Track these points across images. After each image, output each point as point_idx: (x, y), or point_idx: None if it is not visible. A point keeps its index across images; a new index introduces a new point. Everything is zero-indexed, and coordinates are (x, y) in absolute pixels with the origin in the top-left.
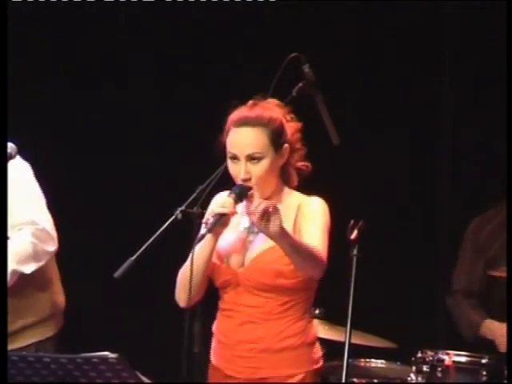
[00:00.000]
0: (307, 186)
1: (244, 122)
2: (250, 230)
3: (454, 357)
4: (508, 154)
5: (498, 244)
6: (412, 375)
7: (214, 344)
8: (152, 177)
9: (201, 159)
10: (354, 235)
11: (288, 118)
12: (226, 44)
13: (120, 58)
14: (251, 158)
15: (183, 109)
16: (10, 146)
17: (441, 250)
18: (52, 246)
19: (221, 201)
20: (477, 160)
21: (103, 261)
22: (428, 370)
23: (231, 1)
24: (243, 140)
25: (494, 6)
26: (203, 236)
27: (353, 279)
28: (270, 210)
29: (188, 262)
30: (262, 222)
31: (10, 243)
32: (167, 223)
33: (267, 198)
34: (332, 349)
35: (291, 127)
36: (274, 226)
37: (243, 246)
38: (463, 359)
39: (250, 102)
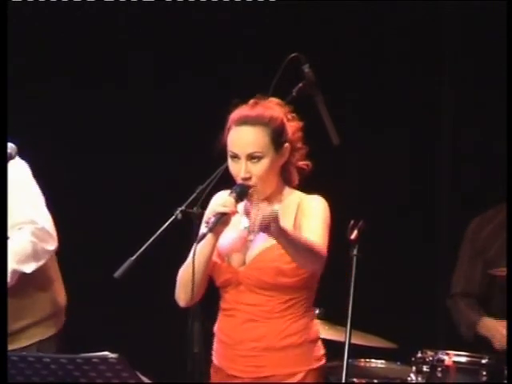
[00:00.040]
0: (307, 186)
1: (245, 121)
2: (250, 230)
3: (454, 357)
4: (508, 153)
5: (498, 244)
6: (412, 375)
7: (215, 344)
8: (152, 177)
9: (201, 159)
10: (354, 235)
11: (289, 117)
12: (226, 44)
13: (120, 58)
14: (252, 157)
15: (183, 109)
16: (10, 146)
17: (441, 250)
18: (52, 245)
19: (222, 200)
20: (477, 160)
21: (103, 261)
22: (428, 370)
23: (231, 1)
24: (244, 139)
25: (494, 6)
26: (204, 235)
27: (353, 279)
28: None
29: (189, 262)
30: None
31: (9, 243)
32: (167, 223)
33: (267, 197)
34: (332, 349)
35: (292, 126)
36: (273, 227)
37: (244, 244)
38: (463, 359)
39: (251, 100)
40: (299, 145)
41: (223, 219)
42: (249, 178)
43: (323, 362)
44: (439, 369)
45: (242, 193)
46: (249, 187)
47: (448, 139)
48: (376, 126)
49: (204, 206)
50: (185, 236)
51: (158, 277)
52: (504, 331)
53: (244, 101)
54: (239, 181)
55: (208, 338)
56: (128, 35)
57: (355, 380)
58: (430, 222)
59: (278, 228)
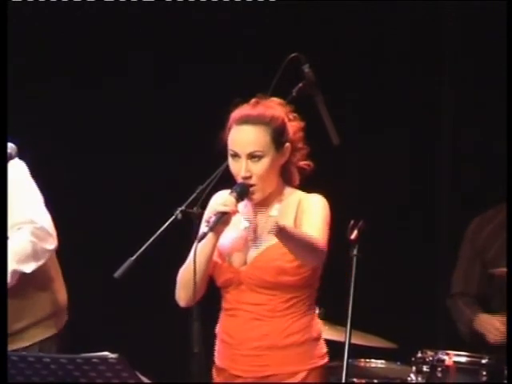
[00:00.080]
0: (307, 186)
1: (246, 120)
2: (250, 229)
3: (454, 357)
4: (508, 153)
5: (498, 244)
6: (412, 375)
7: (217, 345)
8: (152, 177)
9: (201, 159)
10: (354, 235)
11: (290, 116)
12: (226, 44)
13: (120, 58)
14: (252, 156)
15: (183, 109)
16: (10, 146)
17: (441, 250)
18: (51, 244)
19: (222, 199)
20: (477, 160)
21: (103, 261)
22: (428, 370)
23: (231, 1)
24: (244, 138)
25: (494, 6)
26: (205, 234)
27: (353, 279)
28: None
29: (189, 261)
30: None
31: (9, 243)
32: (167, 223)
33: (268, 197)
34: (332, 349)
35: (293, 126)
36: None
37: (245, 244)
38: (463, 359)
39: (253, 100)
40: (300, 145)
41: (224, 218)
42: (249, 177)
43: (326, 360)
44: (439, 369)
45: (243, 192)
46: (249, 186)
47: (448, 139)
48: (376, 126)
49: (204, 206)
50: (185, 236)
51: (158, 277)
52: (498, 325)
53: (245, 100)
54: (239, 180)
55: (208, 338)
56: (128, 35)
57: (355, 380)
58: (430, 222)
59: (278, 228)
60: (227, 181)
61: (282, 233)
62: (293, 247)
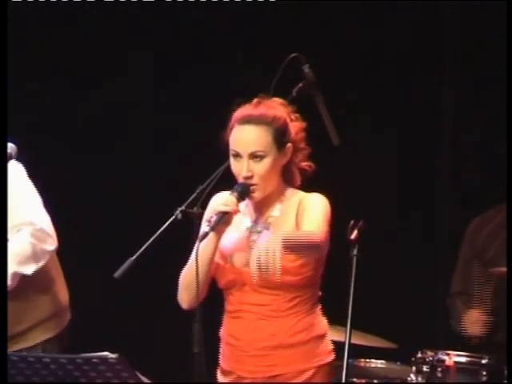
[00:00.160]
0: (307, 186)
1: (248, 120)
2: (252, 230)
3: (454, 357)
4: (508, 153)
5: (498, 244)
6: (412, 375)
7: (222, 348)
8: (152, 177)
9: (201, 159)
10: (354, 235)
11: (292, 117)
12: (226, 44)
13: (120, 58)
14: (254, 156)
15: (183, 109)
16: (10, 146)
17: (441, 250)
18: (51, 245)
19: (223, 199)
20: (477, 160)
21: (103, 261)
22: (428, 370)
23: (231, 1)
24: (246, 138)
25: (494, 6)
26: (206, 234)
27: (353, 279)
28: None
29: (191, 263)
30: None
31: (9, 245)
32: (167, 223)
33: (269, 197)
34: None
35: (295, 126)
36: None
37: (247, 245)
38: (463, 359)
39: (255, 100)
40: (302, 145)
41: (225, 218)
42: (250, 177)
43: (333, 357)
44: (439, 369)
45: (244, 192)
46: (250, 186)
47: (448, 139)
48: (376, 126)
49: (204, 206)
50: (185, 236)
51: (158, 277)
52: (475, 317)
53: (247, 100)
54: (241, 180)
55: (208, 338)
56: (128, 35)
57: (355, 380)
58: (429, 222)
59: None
60: (227, 181)
61: (284, 245)
62: (295, 250)
